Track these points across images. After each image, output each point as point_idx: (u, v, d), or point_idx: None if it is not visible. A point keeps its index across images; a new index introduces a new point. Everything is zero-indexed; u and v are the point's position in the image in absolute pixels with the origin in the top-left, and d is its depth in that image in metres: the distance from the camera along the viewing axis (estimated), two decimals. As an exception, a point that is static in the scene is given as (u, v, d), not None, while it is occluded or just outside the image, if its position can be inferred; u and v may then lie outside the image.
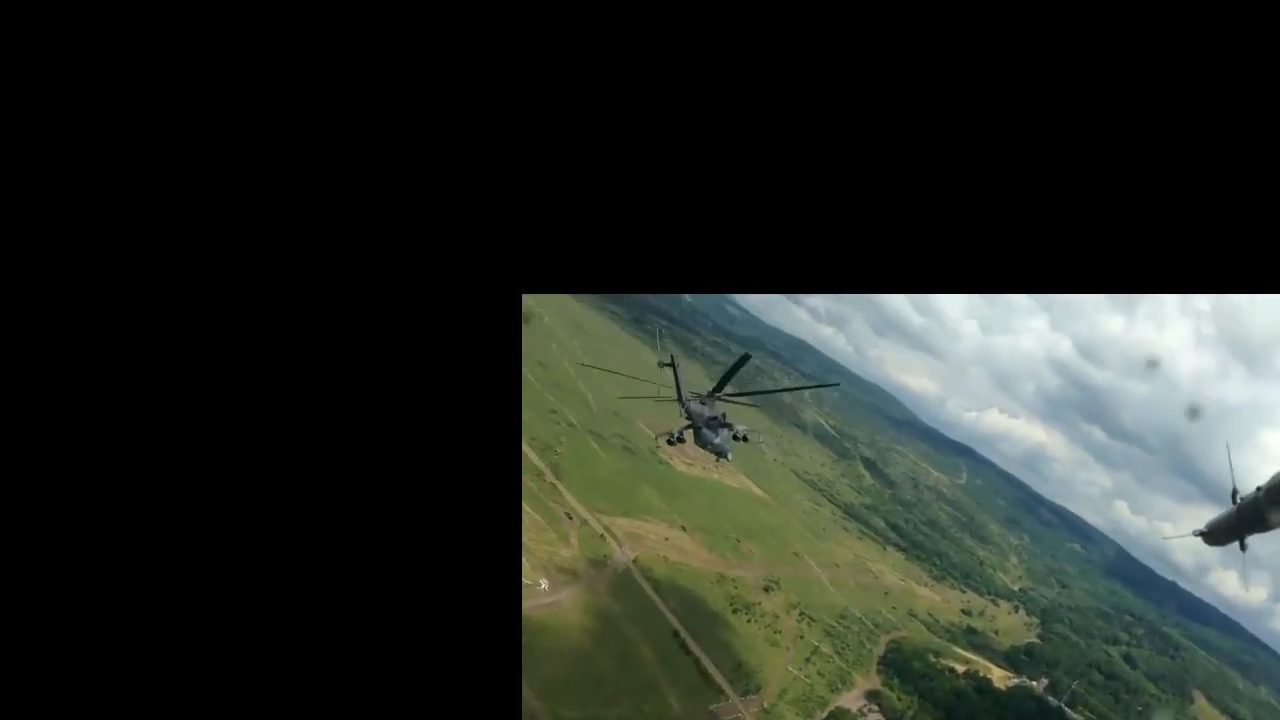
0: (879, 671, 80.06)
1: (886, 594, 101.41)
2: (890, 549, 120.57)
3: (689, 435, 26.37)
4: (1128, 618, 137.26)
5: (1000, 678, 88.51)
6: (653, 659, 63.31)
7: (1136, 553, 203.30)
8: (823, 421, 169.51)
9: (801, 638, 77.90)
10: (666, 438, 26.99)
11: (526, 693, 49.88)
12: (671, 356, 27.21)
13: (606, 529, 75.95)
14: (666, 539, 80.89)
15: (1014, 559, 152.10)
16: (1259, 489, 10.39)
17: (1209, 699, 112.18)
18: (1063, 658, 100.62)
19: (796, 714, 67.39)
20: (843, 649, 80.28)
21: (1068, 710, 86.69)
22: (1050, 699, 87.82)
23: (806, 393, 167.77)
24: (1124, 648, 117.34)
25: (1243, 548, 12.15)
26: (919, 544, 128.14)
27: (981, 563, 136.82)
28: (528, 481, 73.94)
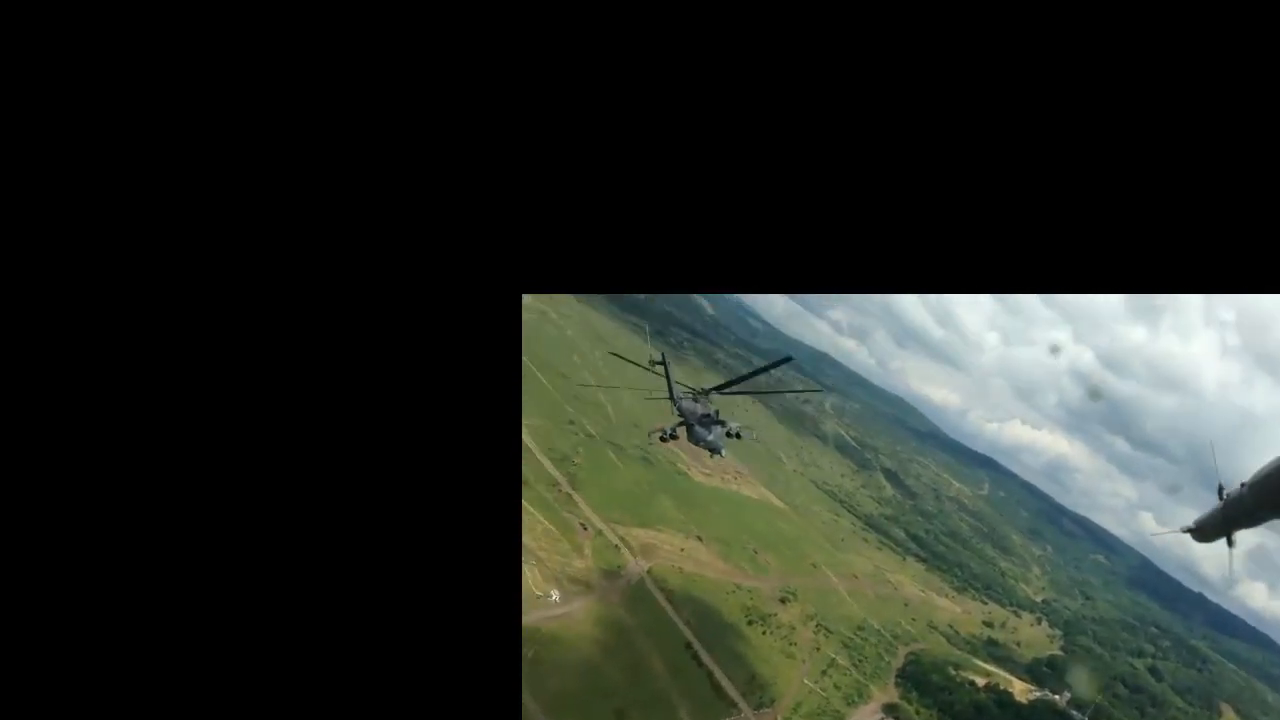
0: (897, 684, 78.85)
1: (906, 605, 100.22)
2: (910, 560, 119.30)
3: (682, 432, 26.76)
4: (1153, 630, 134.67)
5: (1022, 690, 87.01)
6: (664, 671, 62.61)
7: (1163, 564, 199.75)
8: (844, 433, 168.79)
9: (818, 650, 76.93)
10: (659, 434, 27.22)
11: (533, 706, 49.23)
12: (663, 355, 28.09)
13: (622, 539, 75.60)
14: (682, 549, 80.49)
15: (1036, 570, 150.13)
16: (1243, 485, 10.52)
17: (1237, 712, 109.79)
18: (1086, 670, 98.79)
19: (811, 728, 66.51)
20: (860, 661, 79.20)
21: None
22: (1074, 713, 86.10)
23: (828, 404, 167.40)
24: (1150, 660, 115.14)
25: (1230, 544, 12.40)
26: (940, 555, 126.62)
27: (1003, 574, 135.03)
28: (543, 492, 73.77)
